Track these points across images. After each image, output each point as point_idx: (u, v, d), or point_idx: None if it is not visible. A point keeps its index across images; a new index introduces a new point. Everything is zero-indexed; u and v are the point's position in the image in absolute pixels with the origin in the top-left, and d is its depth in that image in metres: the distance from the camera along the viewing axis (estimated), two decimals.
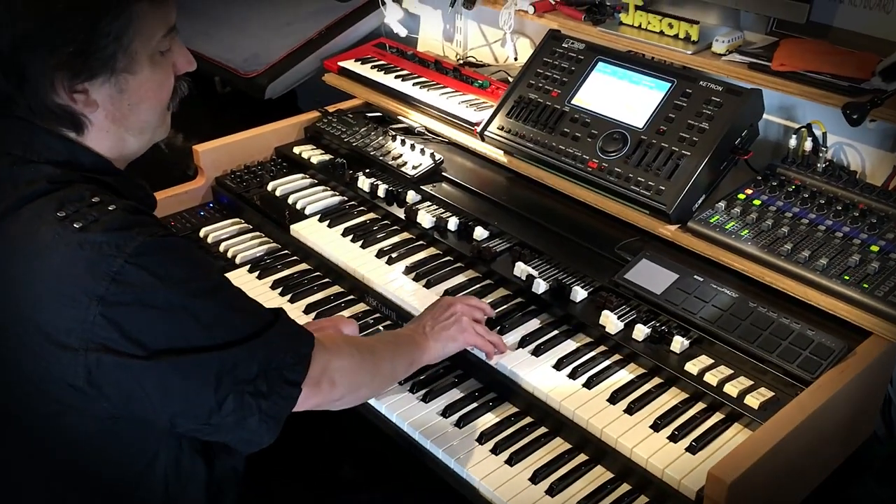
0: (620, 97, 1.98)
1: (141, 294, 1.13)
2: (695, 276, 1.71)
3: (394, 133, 2.32)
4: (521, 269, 1.82)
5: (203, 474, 1.36)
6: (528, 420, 1.62)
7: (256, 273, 2.01)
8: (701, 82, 1.90)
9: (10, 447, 1.28)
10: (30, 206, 1.17)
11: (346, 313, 1.89)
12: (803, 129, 1.86)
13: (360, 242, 2.01)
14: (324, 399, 1.36)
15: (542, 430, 1.59)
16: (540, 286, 1.77)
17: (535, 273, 1.80)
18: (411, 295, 1.84)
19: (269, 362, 1.24)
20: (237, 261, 2.06)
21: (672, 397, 1.57)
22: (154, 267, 1.14)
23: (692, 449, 1.45)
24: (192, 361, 1.17)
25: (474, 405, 1.64)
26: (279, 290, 1.96)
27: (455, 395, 1.67)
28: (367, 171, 2.22)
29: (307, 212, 2.14)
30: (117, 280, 1.12)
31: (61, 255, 1.12)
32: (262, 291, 1.95)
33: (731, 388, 1.52)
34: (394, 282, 1.88)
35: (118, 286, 1.12)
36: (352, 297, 1.96)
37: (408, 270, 1.91)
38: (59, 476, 1.27)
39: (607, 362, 1.65)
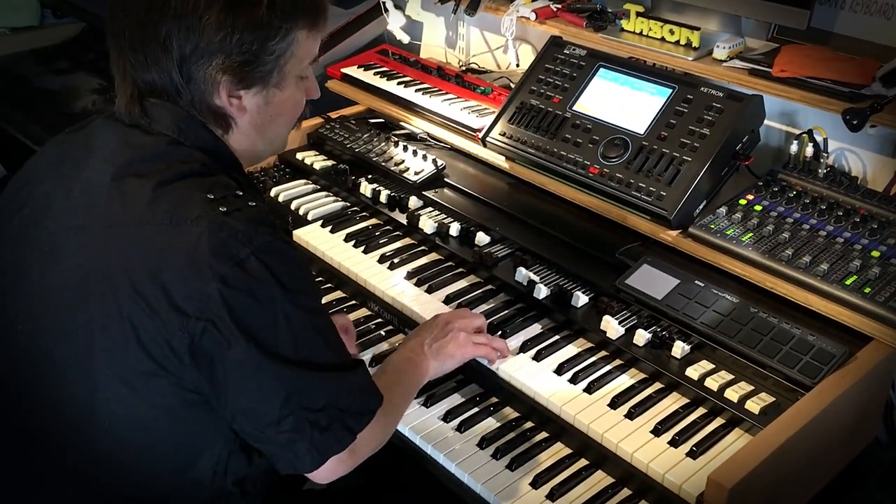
0: (622, 103, 1.99)
1: (254, 284, 1.21)
2: (696, 282, 1.71)
3: (396, 139, 2.32)
4: (522, 274, 1.82)
5: (245, 470, 1.39)
6: (528, 425, 1.62)
7: None
8: (702, 88, 1.90)
9: (91, 405, 1.29)
10: (184, 182, 1.28)
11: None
12: (804, 135, 1.86)
13: (362, 248, 2.02)
14: (340, 473, 1.37)
15: (543, 434, 1.60)
16: (541, 291, 1.78)
17: (536, 278, 1.81)
18: (413, 300, 1.84)
19: (338, 401, 1.29)
20: None
21: (673, 402, 1.57)
22: (273, 265, 1.23)
23: (693, 454, 1.45)
24: (271, 368, 1.23)
25: (475, 410, 1.65)
26: None
27: (456, 399, 1.68)
28: (370, 176, 2.23)
29: (310, 217, 2.15)
30: (240, 265, 1.21)
31: (202, 230, 1.22)
32: None
33: (732, 393, 1.52)
34: (395, 287, 1.89)
35: (239, 271, 1.20)
36: (354, 302, 1.97)
37: (409, 276, 1.92)
38: (120, 443, 1.31)
39: (608, 367, 1.65)
